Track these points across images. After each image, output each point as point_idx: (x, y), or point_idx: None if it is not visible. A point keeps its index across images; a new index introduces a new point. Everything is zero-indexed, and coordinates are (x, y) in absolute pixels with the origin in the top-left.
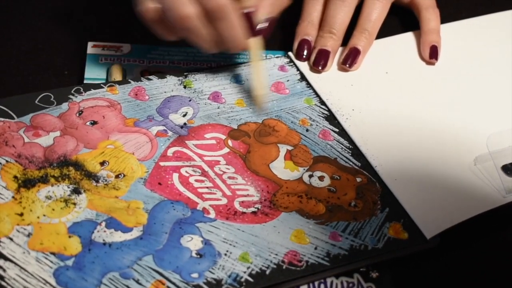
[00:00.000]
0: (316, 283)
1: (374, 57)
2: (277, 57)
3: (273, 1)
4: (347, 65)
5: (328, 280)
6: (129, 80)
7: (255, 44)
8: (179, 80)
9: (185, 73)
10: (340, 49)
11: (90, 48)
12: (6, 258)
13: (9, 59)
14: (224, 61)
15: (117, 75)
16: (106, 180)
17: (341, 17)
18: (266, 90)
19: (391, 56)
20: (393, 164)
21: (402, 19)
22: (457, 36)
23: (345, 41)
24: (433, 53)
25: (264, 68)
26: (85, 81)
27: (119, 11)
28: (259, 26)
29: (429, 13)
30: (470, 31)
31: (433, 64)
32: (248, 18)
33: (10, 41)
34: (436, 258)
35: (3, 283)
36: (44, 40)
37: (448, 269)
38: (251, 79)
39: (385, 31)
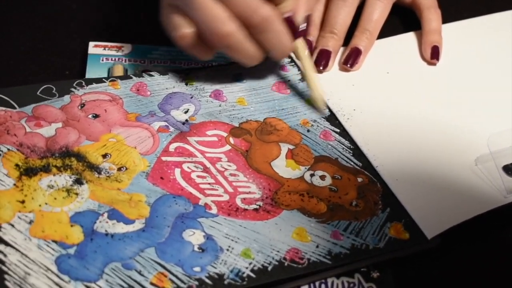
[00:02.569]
0: (317, 283)
1: (375, 57)
2: None
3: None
4: (348, 65)
5: (329, 280)
6: (131, 75)
7: (300, 46)
8: (181, 77)
9: (187, 71)
10: (342, 49)
11: (91, 48)
12: (7, 244)
13: (9, 59)
14: (225, 61)
15: (118, 75)
16: (108, 172)
17: (343, 17)
18: (321, 89)
19: (392, 56)
20: (394, 164)
21: (403, 19)
22: (459, 36)
23: (346, 41)
24: (435, 54)
25: (314, 68)
26: None
27: (121, 11)
28: (300, 28)
29: (431, 13)
30: (471, 31)
31: (434, 64)
32: (290, 22)
33: (10, 41)
34: (437, 258)
35: (4, 268)
36: (44, 40)
37: (449, 269)
38: (305, 81)
39: (387, 31)
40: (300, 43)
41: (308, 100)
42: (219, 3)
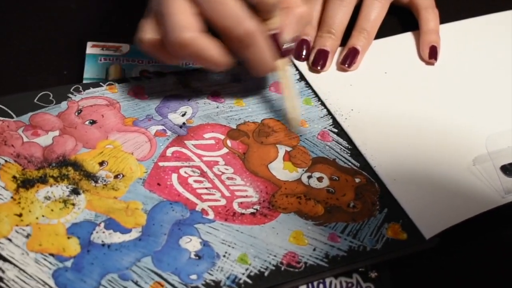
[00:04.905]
0: (315, 283)
1: (373, 57)
2: None
3: (298, 20)
4: (346, 65)
5: (327, 280)
6: (128, 78)
7: (283, 65)
8: (178, 78)
9: (184, 72)
10: (339, 49)
11: (89, 48)
12: (5, 259)
13: (8, 59)
14: None
15: (116, 75)
16: (105, 181)
17: (340, 17)
18: (300, 111)
19: (390, 56)
20: (392, 164)
21: (401, 19)
22: (457, 36)
23: (344, 41)
24: (433, 53)
25: (295, 89)
26: (84, 81)
27: (119, 11)
28: (285, 47)
29: (428, 13)
30: (469, 31)
31: (432, 64)
32: (275, 39)
33: (9, 41)
34: (435, 258)
35: (2, 284)
36: (43, 40)
37: (447, 269)
38: (283, 101)
39: (384, 31)
40: (283, 62)
41: (307, 100)
42: (190, 9)
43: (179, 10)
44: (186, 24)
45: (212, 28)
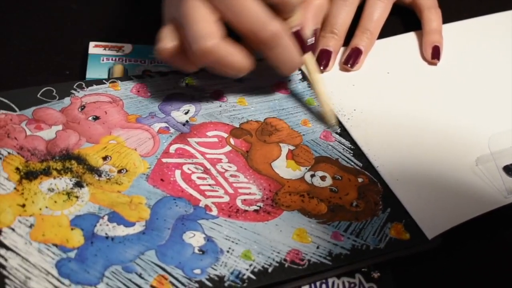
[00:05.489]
0: (318, 283)
1: (375, 57)
2: None
3: (316, 12)
4: (349, 65)
5: (330, 280)
6: (131, 76)
7: (309, 60)
8: (181, 77)
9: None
10: (342, 49)
11: (92, 48)
12: (7, 248)
13: (9, 59)
14: None
15: (118, 75)
16: (108, 175)
17: (343, 17)
18: (332, 103)
19: (393, 56)
20: (395, 165)
21: (403, 19)
22: (459, 36)
23: (347, 41)
24: (435, 54)
25: (324, 82)
26: None
27: (121, 11)
28: (309, 42)
29: (431, 13)
30: (472, 31)
31: (435, 64)
32: (298, 36)
33: (10, 41)
34: (437, 259)
35: (4, 272)
36: (44, 40)
37: (450, 269)
38: (315, 96)
39: (387, 31)
40: (309, 57)
41: (309, 100)
42: (211, 16)
43: (200, 18)
44: (208, 32)
45: (232, 30)
